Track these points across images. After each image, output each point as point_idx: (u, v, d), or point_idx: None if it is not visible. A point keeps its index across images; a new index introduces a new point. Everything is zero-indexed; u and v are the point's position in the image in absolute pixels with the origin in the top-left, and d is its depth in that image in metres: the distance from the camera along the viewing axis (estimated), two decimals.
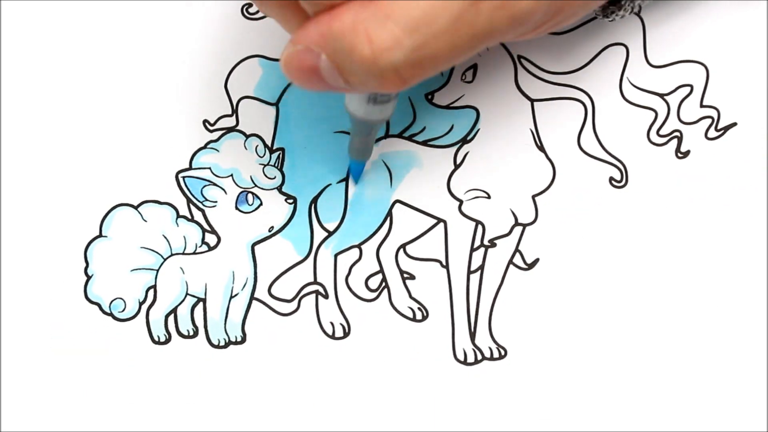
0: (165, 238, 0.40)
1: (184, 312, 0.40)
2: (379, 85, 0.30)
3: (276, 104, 0.41)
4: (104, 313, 0.40)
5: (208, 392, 0.39)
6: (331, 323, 0.39)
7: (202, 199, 0.40)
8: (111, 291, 0.40)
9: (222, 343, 0.39)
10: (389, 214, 0.40)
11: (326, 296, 0.40)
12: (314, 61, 0.31)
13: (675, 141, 0.40)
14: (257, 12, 0.42)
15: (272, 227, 0.40)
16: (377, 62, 0.29)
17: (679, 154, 0.40)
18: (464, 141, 0.41)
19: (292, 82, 0.32)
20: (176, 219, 0.40)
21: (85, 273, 0.40)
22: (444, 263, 0.40)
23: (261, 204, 0.40)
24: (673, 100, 0.41)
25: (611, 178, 0.40)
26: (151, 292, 0.40)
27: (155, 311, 0.40)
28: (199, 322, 0.40)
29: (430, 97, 0.41)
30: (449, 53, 0.30)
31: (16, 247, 0.40)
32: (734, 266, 0.39)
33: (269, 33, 0.42)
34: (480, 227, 0.40)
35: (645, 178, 0.40)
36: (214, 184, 0.40)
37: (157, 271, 0.40)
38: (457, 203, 0.40)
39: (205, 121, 0.41)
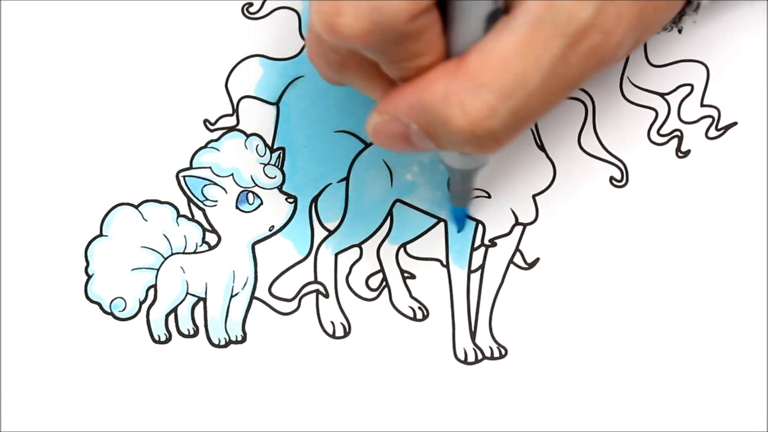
0: (165, 237, 0.40)
1: (184, 311, 0.40)
2: (475, 151, 0.30)
3: (276, 104, 0.41)
4: (105, 312, 0.40)
5: (208, 392, 0.39)
6: (332, 322, 0.39)
7: (202, 198, 0.40)
8: (111, 290, 0.40)
9: (222, 343, 0.39)
10: (389, 213, 0.40)
11: (327, 295, 0.40)
12: (404, 129, 0.30)
13: (675, 140, 0.40)
14: (258, 11, 0.42)
15: (273, 226, 0.40)
16: (475, 132, 0.29)
17: (680, 154, 0.40)
18: None
19: (381, 147, 0.32)
20: (177, 218, 0.40)
21: (86, 272, 0.40)
22: (444, 262, 0.40)
23: (261, 203, 0.40)
24: (674, 99, 0.41)
25: (612, 178, 0.40)
26: (152, 291, 0.40)
27: (156, 310, 0.40)
28: (200, 322, 0.40)
29: None
30: (543, 109, 0.29)
31: (16, 247, 0.40)
32: (734, 266, 0.39)
33: (270, 33, 0.42)
34: (480, 227, 0.40)
35: (645, 177, 0.40)
36: (215, 184, 0.40)
37: (158, 270, 0.40)
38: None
39: (205, 121, 0.41)
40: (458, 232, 0.40)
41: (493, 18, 0.28)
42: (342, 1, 0.27)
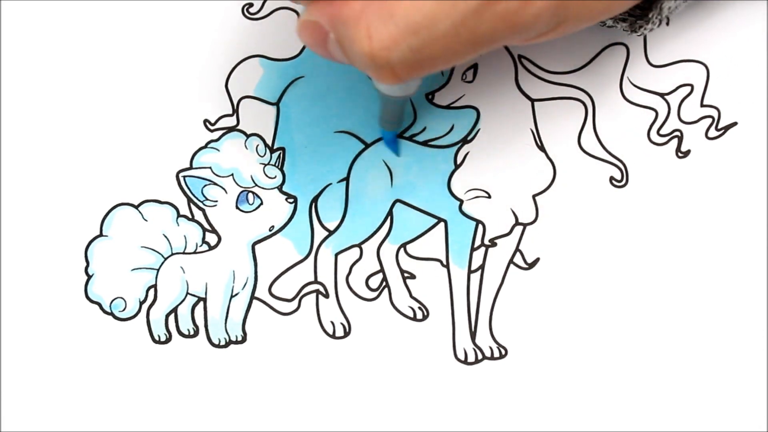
0: (165, 237, 0.40)
1: (184, 311, 0.40)
2: (375, 77, 0.31)
3: (276, 104, 0.41)
4: (105, 312, 0.40)
5: (208, 392, 0.39)
6: (332, 322, 0.39)
7: (202, 198, 0.40)
8: (111, 290, 0.40)
9: (222, 343, 0.39)
10: (389, 213, 0.40)
11: (327, 295, 0.40)
12: (324, 36, 0.31)
13: (675, 140, 0.40)
14: (258, 12, 0.42)
15: (273, 226, 0.40)
16: (374, 59, 0.30)
17: (680, 154, 0.40)
18: (465, 141, 0.41)
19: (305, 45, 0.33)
20: (177, 218, 0.40)
21: (86, 272, 0.40)
22: (444, 263, 0.40)
23: (261, 203, 0.40)
24: (674, 99, 0.41)
25: (612, 178, 0.40)
26: (152, 291, 0.40)
27: (156, 311, 0.40)
28: (200, 322, 0.40)
29: (430, 97, 0.41)
30: (447, 57, 0.30)
31: (16, 247, 0.40)
32: (734, 266, 0.39)
33: (270, 33, 0.42)
34: (480, 227, 0.40)
35: (645, 177, 0.40)
36: (215, 184, 0.40)
37: (158, 270, 0.40)
38: (458, 203, 0.40)
39: (205, 121, 0.41)
40: (395, 153, 0.40)
41: None
42: None
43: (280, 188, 0.40)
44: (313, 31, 0.32)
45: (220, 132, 0.41)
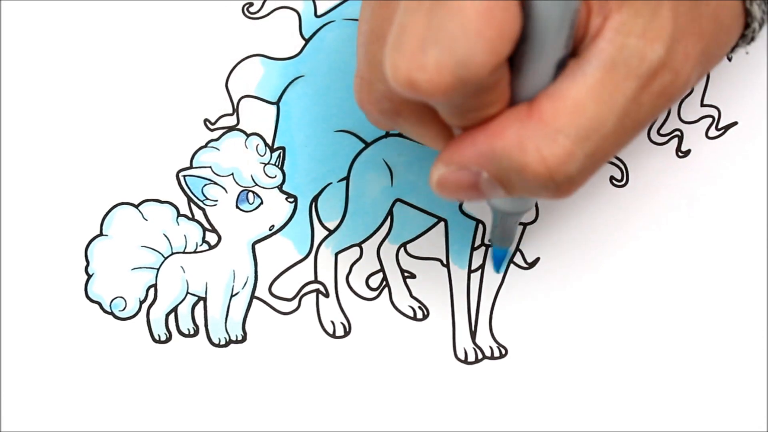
0: (165, 236, 0.40)
1: (184, 311, 0.40)
2: (551, 196, 0.29)
3: (277, 103, 0.41)
4: (105, 312, 0.40)
5: (208, 391, 0.39)
6: (332, 322, 0.39)
7: (202, 197, 0.40)
8: (111, 290, 0.40)
9: (223, 342, 0.39)
10: (390, 212, 0.40)
11: (327, 295, 0.40)
12: (473, 179, 0.30)
13: (676, 140, 0.40)
14: (258, 11, 0.42)
15: (273, 226, 0.40)
16: (553, 178, 0.28)
17: (680, 153, 0.40)
18: None
19: (445, 198, 0.31)
20: (177, 218, 0.40)
21: (86, 272, 0.40)
22: (445, 262, 0.40)
23: (262, 203, 0.40)
24: None
25: (612, 177, 0.40)
26: (152, 290, 0.40)
27: (156, 310, 0.40)
28: (200, 321, 0.40)
29: None
30: (617, 149, 0.29)
31: (16, 246, 0.40)
32: (734, 265, 0.39)
33: (270, 32, 0.42)
34: (480, 226, 0.40)
35: (646, 177, 0.40)
36: (215, 183, 0.40)
37: (158, 269, 0.40)
38: (458, 202, 0.40)
39: (205, 120, 0.41)
40: (497, 272, 0.40)
41: (562, 63, 0.28)
42: (423, 55, 0.26)
43: (280, 187, 0.40)
44: (460, 179, 0.30)
45: (221, 131, 0.41)
